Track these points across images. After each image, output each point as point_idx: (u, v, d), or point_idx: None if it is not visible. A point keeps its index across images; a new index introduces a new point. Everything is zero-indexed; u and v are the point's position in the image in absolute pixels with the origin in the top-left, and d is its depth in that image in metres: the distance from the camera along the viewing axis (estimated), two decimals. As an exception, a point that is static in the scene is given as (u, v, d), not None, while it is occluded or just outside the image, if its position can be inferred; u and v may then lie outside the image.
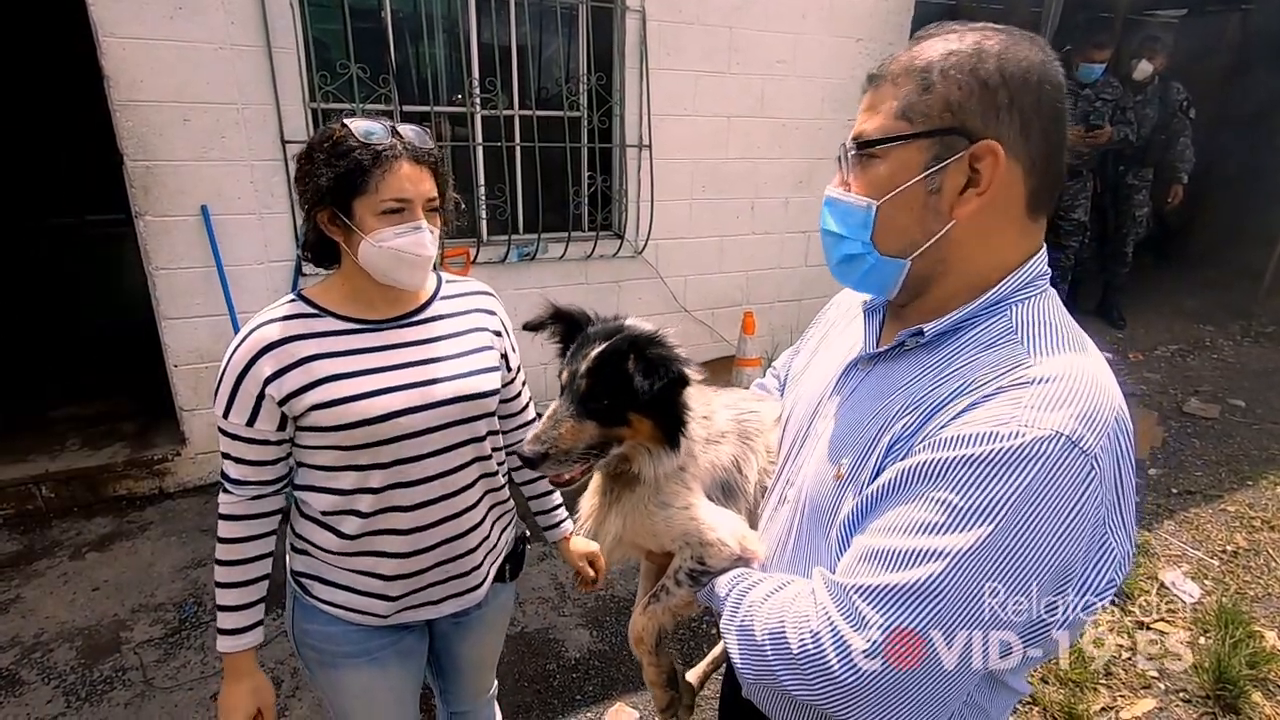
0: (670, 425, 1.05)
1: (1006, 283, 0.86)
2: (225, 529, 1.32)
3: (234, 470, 1.29)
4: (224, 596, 1.32)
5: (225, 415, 1.26)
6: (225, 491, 1.31)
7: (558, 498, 1.67)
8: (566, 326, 1.15)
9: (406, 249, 1.24)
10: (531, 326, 1.18)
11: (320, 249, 1.33)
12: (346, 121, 1.23)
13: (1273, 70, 6.14)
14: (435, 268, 1.41)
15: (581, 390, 1.03)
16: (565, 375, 1.06)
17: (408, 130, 1.26)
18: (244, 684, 1.34)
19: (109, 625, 2.75)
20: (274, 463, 1.31)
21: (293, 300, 1.31)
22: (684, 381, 1.03)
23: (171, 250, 3.28)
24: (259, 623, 1.35)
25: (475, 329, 1.42)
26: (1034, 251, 0.88)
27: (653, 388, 0.99)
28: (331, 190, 1.22)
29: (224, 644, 1.32)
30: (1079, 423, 0.73)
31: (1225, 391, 5.00)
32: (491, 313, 1.47)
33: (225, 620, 1.32)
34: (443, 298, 1.42)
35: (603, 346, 1.04)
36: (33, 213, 5.49)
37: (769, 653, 0.82)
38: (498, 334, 1.46)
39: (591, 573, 1.71)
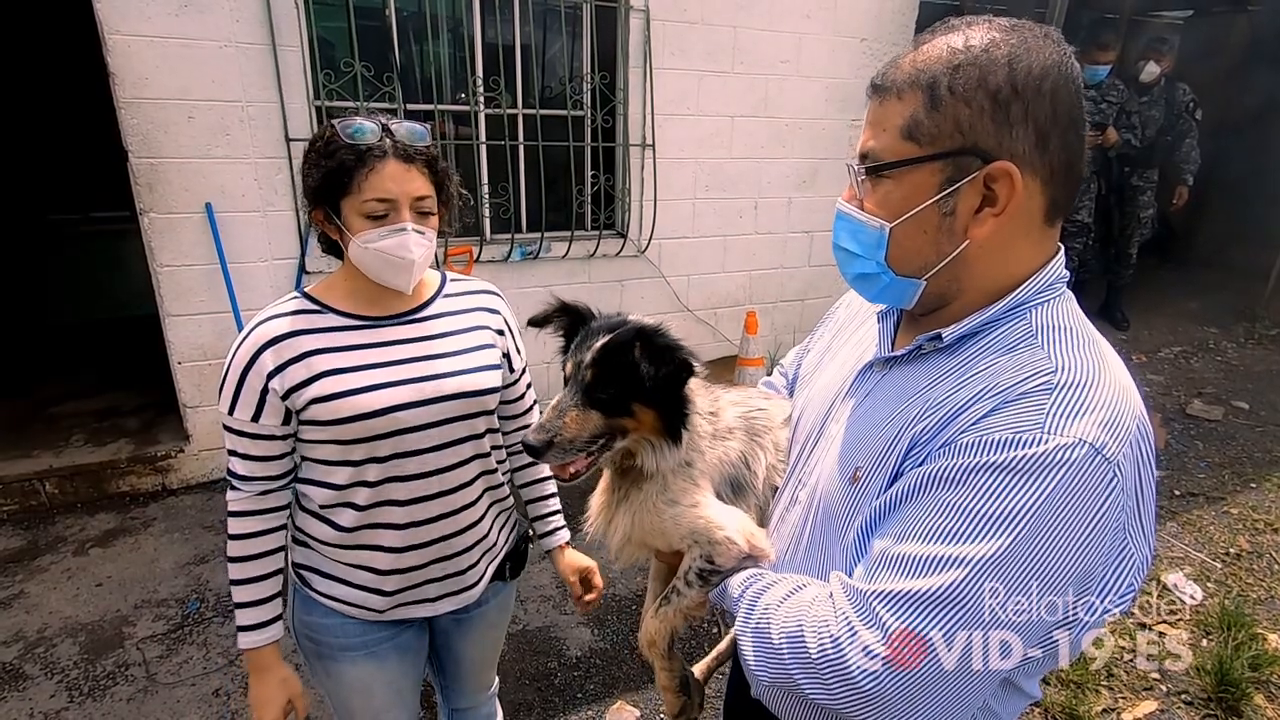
0: (673, 417, 1.05)
1: (1027, 286, 0.84)
2: (235, 525, 1.32)
3: (241, 466, 1.30)
4: (240, 593, 1.32)
5: (230, 412, 1.26)
6: (233, 489, 1.31)
7: (556, 504, 1.67)
8: (571, 321, 1.15)
9: (390, 251, 1.23)
10: (536, 322, 1.17)
11: (329, 240, 1.34)
12: (334, 122, 1.23)
13: (1278, 72, 6.12)
14: (439, 266, 1.40)
15: (586, 380, 1.03)
16: (570, 366, 1.06)
17: (400, 127, 1.25)
18: (271, 678, 1.35)
19: (112, 621, 2.76)
20: (280, 458, 1.31)
21: (295, 297, 1.32)
22: (688, 370, 1.04)
23: (175, 247, 3.29)
24: (278, 617, 1.36)
25: (476, 327, 1.42)
26: (1051, 255, 0.87)
27: (658, 374, 1.00)
28: (321, 190, 1.23)
29: (245, 640, 1.32)
30: (1102, 429, 0.72)
31: (1229, 393, 4.99)
32: (495, 311, 1.47)
33: (244, 617, 1.32)
34: (445, 296, 1.42)
35: (608, 338, 1.04)
36: (35, 209, 5.51)
37: (786, 656, 0.81)
38: (500, 333, 1.46)
39: (580, 590, 1.63)
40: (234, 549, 1.32)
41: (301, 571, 1.41)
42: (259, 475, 1.30)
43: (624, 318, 1.11)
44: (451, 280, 1.46)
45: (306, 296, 1.32)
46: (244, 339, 1.26)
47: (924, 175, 0.81)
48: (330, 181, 1.21)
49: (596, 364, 1.03)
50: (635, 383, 1.01)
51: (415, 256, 1.26)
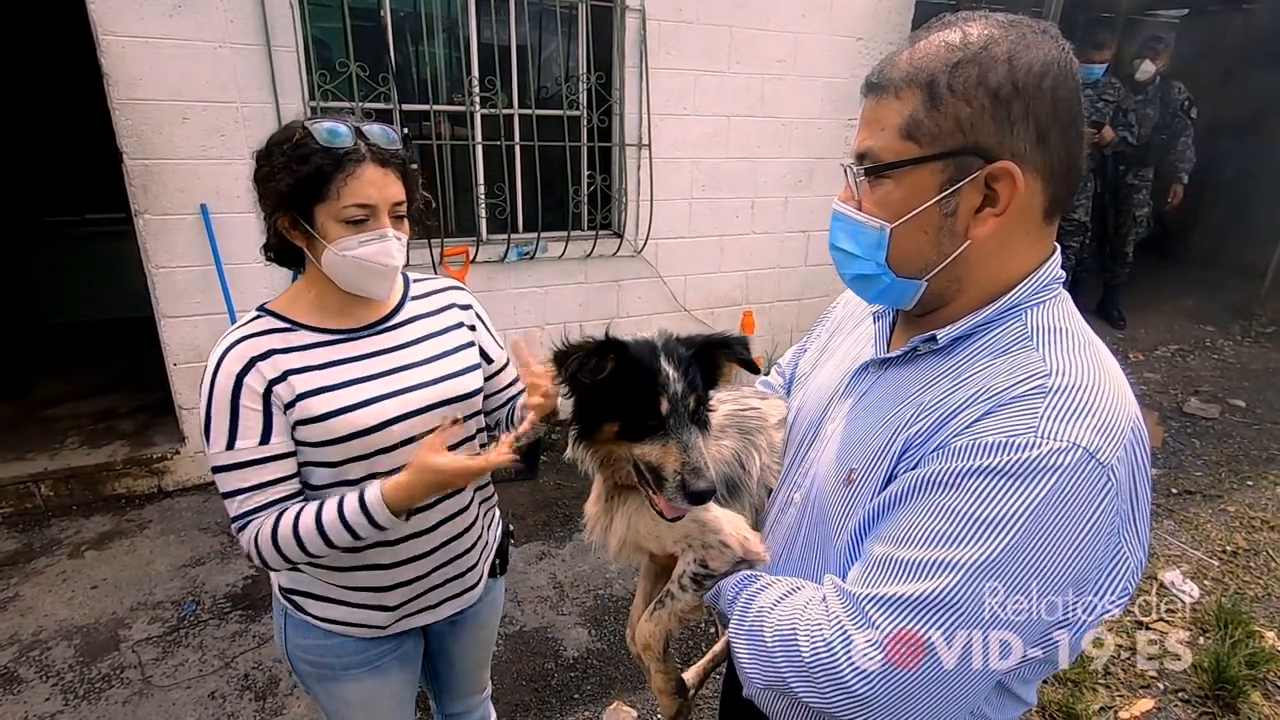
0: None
1: (1022, 288, 0.83)
2: (284, 529, 1.16)
3: (259, 498, 1.17)
4: (331, 533, 1.16)
5: (230, 445, 1.14)
6: (248, 526, 1.17)
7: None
8: (620, 358, 1.02)
9: (371, 258, 1.18)
10: (596, 366, 0.99)
11: (283, 251, 1.27)
12: (307, 123, 1.16)
13: (1274, 70, 6.13)
14: (436, 268, 1.38)
15: (692, 407, 1.00)
16: (665, 405, 0.98)
17: (374, 130, 1.20)
18: (418, 479, 1.16)
19: (107, 623, 2.75)
20: (297, 475, 1.21)
21: (259, 316, 1.24)
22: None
23: (170, 248, 3.28)
24: (363, 489, 1.20)
25: (452, 327, 1.39)
26: (1048, 255, 0.86)
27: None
28: (291, 196, 1.16)
29: (380, 515, 1.16)
30: (1096, 434, 0.72)
31: (1225, 392, 4.99)
32: (466, 307, 1.44)
33: (354, 516, 1.16)
34: (413, 298, 1.38)
35: (675, 362, 1.00)
36: (32, 210, 5.49)
37: (779, 658, 0.81)
38: (473, 329, 1.43)
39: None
40: (300, 546, 1.16)
41: (293, 597, 1.36)
42: (284, 495, 1.19)
43: (649, 338, 1.05)
44: (415, 281, 1.41)
45: (271, 314, 1.24)
46: (218, 365, 1.16)
47: (925, 175, 0.79)
48: (304, 187, 1.14)
49: (690, 390, 1.00)
50: (712, 382, 1.08)
51: (397, 263, 1.22)
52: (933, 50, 0.79)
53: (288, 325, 1.24)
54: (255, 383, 1.16)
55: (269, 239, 1.26)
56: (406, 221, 1.26)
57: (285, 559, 1.18)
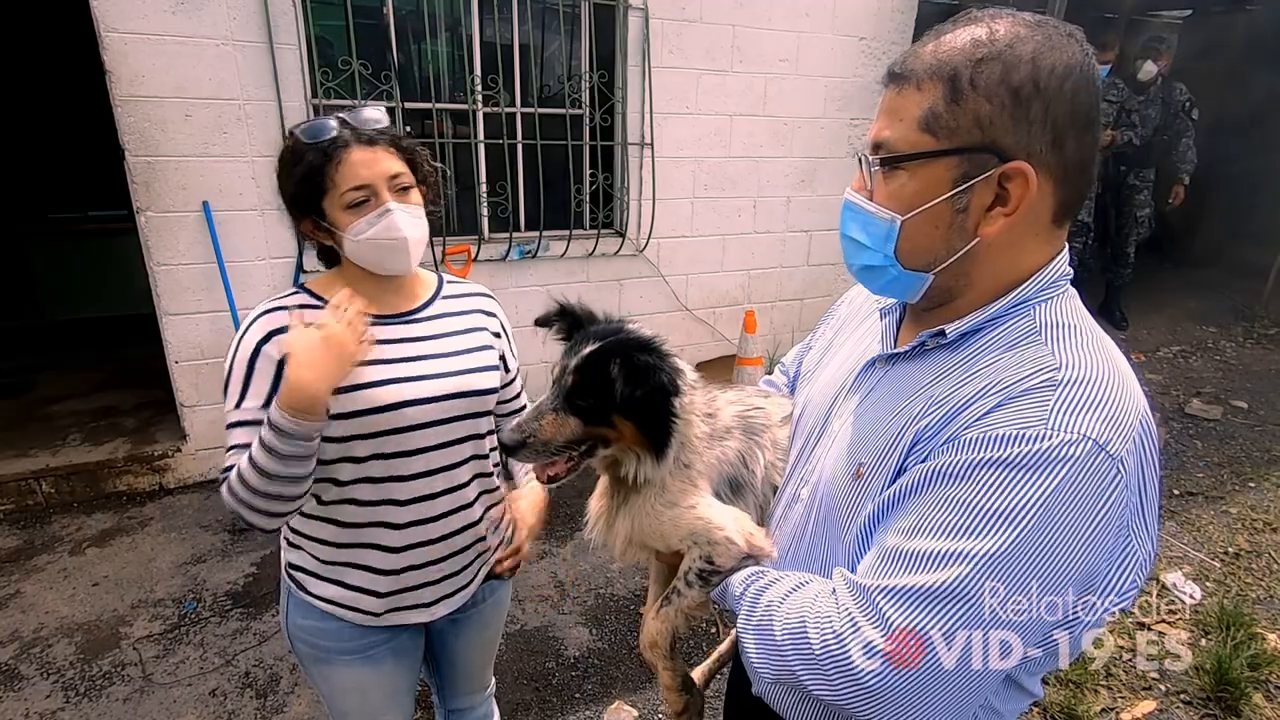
0: (656, 433, 1.03)
1: (1030, 283, 0.84)
2: (240, 467, 1.14)
3: None
4: (258, 458, 1.13)
5: (239, 404, 1.22)
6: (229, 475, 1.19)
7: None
8: (572, 324, 1.15)
9: (381, 235, 1.24)
10: (542, 321, 1.18)
11: (325, 252, 1.36)
12: (293, 129, 1.24)
13: (1276, 71, 6.12)
14: (437, 267, 1.40)
15: (568, 386, 1.04)
16: (557, 369, 1.07)
17: (362, 113, 1.26)
18: (296, 346, 1.14)
19: (108, 621, 2.75)
20: None
21: (296, 292, 1.32)
22: (668, 391, 1.02)
23: (173, 246, 3.28)
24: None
25: (475, 329, 1.43)
26: (1057, 252, 0.86)
27: (633, 394, 1.00)
28: (301, 197, 1.24)
29: (275, 416, 1.12)
30: (1106, 426, 0.72)
31: (1227, 393, 4.99)
32: (491, 314, 1.49)
33: (263, 434, 1.14)
34: (444, 297, 1.43)
35: (595, 346, 1.04)
36: (36, 207, 5.50)
37: (789, 652, 0.81)
38: (497, 335, 1.48)
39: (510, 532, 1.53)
40: (243, 480, 1.14)
41: (295, 574, 1.40)
42: None
43: (620, 325, 1.10)
44: (449, 283, 1.47)
45: (308, 291, 1.32)
46: (248, 327, 1.24)
47: (939, 169, 0.80)
48: (306, 185, 1.22)
49: (579, 371, 1.04)
50: (614, 395, 1.01)
51: (407, 234, 1.26)
52: (958, 44, 0.79)
53: (320, 303, 1.29)
54: (273, 350, 1.22)
55: (305, 244, 1.34)
56: (416, 192, 1.30)
57: (239, 499, 1.16)
